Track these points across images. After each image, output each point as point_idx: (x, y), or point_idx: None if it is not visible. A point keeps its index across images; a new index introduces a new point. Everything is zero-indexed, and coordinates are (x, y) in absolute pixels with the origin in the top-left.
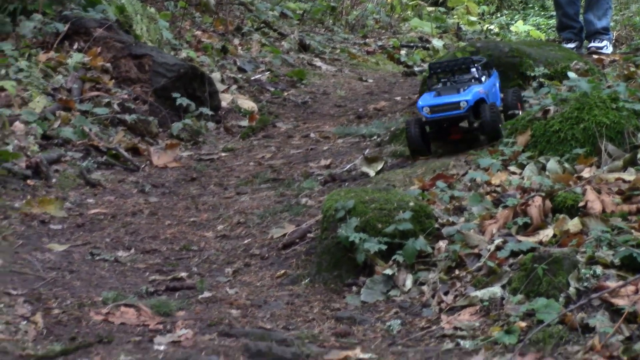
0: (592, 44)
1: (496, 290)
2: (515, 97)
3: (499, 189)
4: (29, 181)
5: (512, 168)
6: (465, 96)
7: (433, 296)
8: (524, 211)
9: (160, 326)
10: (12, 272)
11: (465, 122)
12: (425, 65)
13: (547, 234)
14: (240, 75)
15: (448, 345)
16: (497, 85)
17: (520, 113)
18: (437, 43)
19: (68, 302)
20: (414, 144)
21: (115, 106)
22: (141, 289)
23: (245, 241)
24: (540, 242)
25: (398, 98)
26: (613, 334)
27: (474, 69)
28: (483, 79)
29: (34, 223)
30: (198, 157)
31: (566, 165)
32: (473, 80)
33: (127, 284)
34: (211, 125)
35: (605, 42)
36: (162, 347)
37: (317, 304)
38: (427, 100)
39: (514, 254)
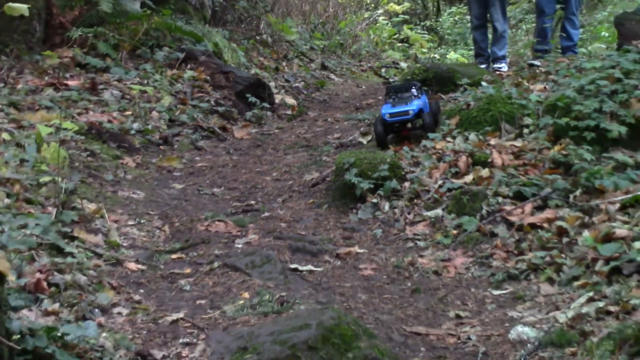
0: (495, 65)
1: (439, 211)
2: (437, 106)
3: (440, 151)
4: (160, 147)
5: (448, 139)
6: (412, 107)
7: (401, 215)
8: (455, 164)
9: (239, 233)
10: (150, 201)
11: (410, 124)
12: (397, 78)
13: (469, 178)
14: (286, 84)
15: (410, 244)
16: (427, 99)
17: (438, 116)
18: (403, 65)
19: (184, 219)
20: (378, 137)
21: (212, 102)
22: (227, 211)
23: (289, 182)
24: (465, 183)
25: (380, 97)
26: (509, 238)
27: (413, 89)
28: (420, 96)
29: (164, 172)
30: (261, 132)
31: (480, 137)
32: (414, 97)
33: (219, 208)
34: (269, 113)
35: (503, 64)
36: (239, 245)
37: (332, 220)
38: (387, 109)
39: (449, 190)
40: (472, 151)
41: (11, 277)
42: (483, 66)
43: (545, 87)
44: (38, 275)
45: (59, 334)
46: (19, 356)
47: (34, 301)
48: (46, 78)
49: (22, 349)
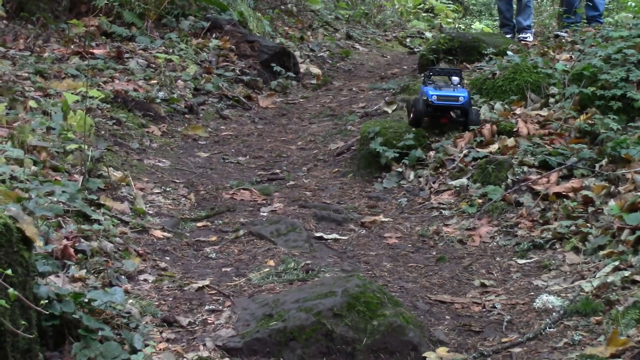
0: (520, 35)
1: (464, 180)
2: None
3: None
4: (186, 115)
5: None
6: (462, 93)
7: (426, 184)
8: (480, 133)
9: (264, 201)
10: (176, 169)
11: (453, 113)
12: (422, 48)
13: (494, 147)
14: (311, 53)
15: (435, 213)
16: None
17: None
18: (428, 34)
19: (209, 187)
20: (418, 116)
21: (237, 71)
22: (252, 179)
23: (314, 151)
24: (490, 152)
25: (405, 67)
26: (534, 207)
27: (456, 77)
28: (463, 84)
29: (189, 140)
30: (286, 101)
31: (506, 106)
32: (459, 85)
33: (244, 176)
34: (294, 83)
35: (528, 34)
36: (265, 213)
37: (357, 189)
38: (434, 91)
39: (474, 159)
40: (497, 120)
41: (39, 243)
42: (509, 36)
43: (571, 57)
44: (65, 242)
45: (86, 300)
46: (46, 321)
47: (61, 267)
48: (72, 47)
49: (50, 314)
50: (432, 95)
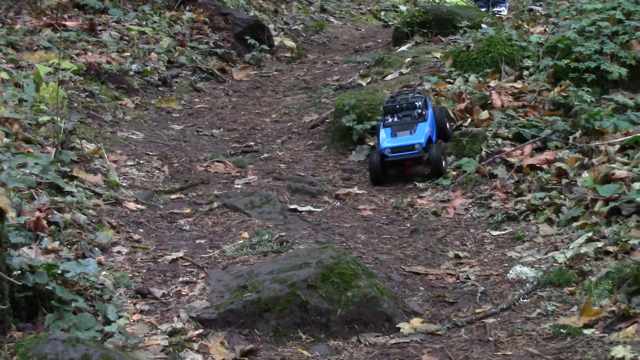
0: (495, 9)
1: None
2: (443, 113)
3: (441, 92)
4: (159, 88)
5: (449, 80)
6: (419, 139)
7: None
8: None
9: (238, 174)
10: (149, 142)
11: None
12: (396, 21)
13: (469, 120)
14: (285, 26)
15: (409, 186)
16: (432, 112)
17: (448, 126)
18: (402, 8)
19: (183, 159)
20: (374, 173)
21: (211, 44)
22: (227, 152)
23: (289, 124)
24: (464, 124)
25: (379, 40)
26: (508, 179)
27: (417, 103)
28: (425, 114)
29: (163, 113)
30: (260, 74)
31: (480, 79)
32: (419, 117)
33: (218, 149)
34: (268, 56)
35: (503, 8)
36: (239, 186)
37: (331, 161)
38: (387, 141)
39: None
40: (471, 93)
41: (11, 214)
42: (483, 9)
43: (545, 30)
44: (38, 213)
45: (59, 272)
46: (19, 292)
47: (33, 239)
48: (44, 19)
49: (23, 285)
50: (385, 148)
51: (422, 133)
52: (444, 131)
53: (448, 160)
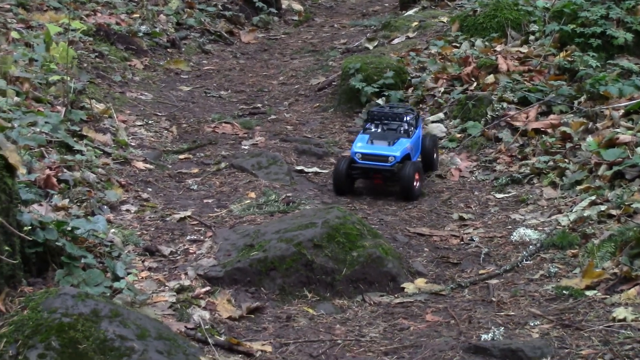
0: None
1: (441, 115)
2: (432, 143)
3: (447, 56)
4: (168, 50)
5: (455, 44)
6: (394, 151)
7: None
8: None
9: (246, 135)
10: (158, 102)
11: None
12: None
13: (475, 84)
14: None
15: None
16: (421, 134)
17: (436, 156)
18: None
19: (191, 120)
20: (338, 180)
21: (219, 6)
22: (234, 113)
23: (296, 86)
24: (470, 88)
25: (386, 4)
26: (512, 142)
27: (406, 118)
28: (412, 131)
29: (171, 74)
30: (268, 37)
31: (486, 43)
32: (403, 132)
33: (226, 110)
34: (276, 19)
35: None
36: (246, 147)
37: (337, 123)
38: (360, 146)
39: (455, 94)
40: (478, 57)
41: (22, 171)
42: None
43: None
44: (48, 171)
45: (69, 228)
46: (30, 248)
47: (44, 196)
48: None
49: (33, 241)
50: (356, 153)
51: (400, 147)
52: (430, 161)
53: (453, 121)
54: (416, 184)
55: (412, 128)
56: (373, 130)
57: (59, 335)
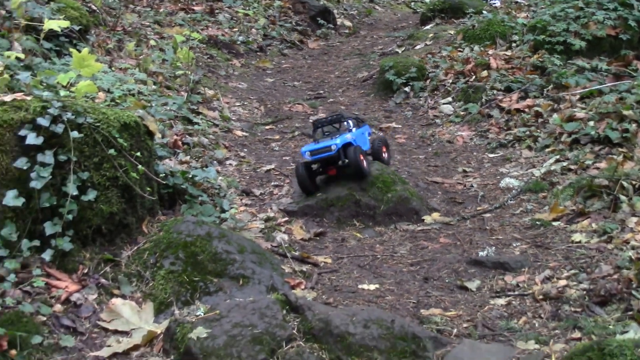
0: (491, 1)
1: (449, 99)
2: (381, 142)
3: (454, 57)
4: (257, 53)
5: (459, 49)
6: (335, 141)
7: (425, 102)
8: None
9: (312, 112)
10: (250, 90)
11: (339, 162)
12: (422, 9)
13: (474, 77)
14: (344, 11)
15: (431, 121)
16: (367, 134)
17: (386, 155)
18: None
19: (274, 102)
20: (301, 182)
21: (293, 23)
22: (304, 97)
23: (347, 79)
24: (470, 80)
25: (410, 22)
26: (500, 118)
27: (347, 122)
28: (353, 129)
29: (259, 70)
30: (327, 45)
31: (482, 48)
32: (346, 130)
33: (298, 95)
34: (332, 32)
35: (497, 1)
36: (312, 119)
37: (377, 104)
38: (307, 146)
39: (460, 84)
40: (475, 58)
41: (158, 135)
42: (483, 1)
43: (527, 15)
44: (175, 137)
45: (190, 176)
46: (163, 189)
47: (172, 154)
48: (179, 4)
49: (165, 184)
50: (305, 152)
51: (341, 138)
52: (379, 158)
53: (457, 103)
54: (364, 162)
55: (353, 128)
56: (317, 136)
57: (184, 249)
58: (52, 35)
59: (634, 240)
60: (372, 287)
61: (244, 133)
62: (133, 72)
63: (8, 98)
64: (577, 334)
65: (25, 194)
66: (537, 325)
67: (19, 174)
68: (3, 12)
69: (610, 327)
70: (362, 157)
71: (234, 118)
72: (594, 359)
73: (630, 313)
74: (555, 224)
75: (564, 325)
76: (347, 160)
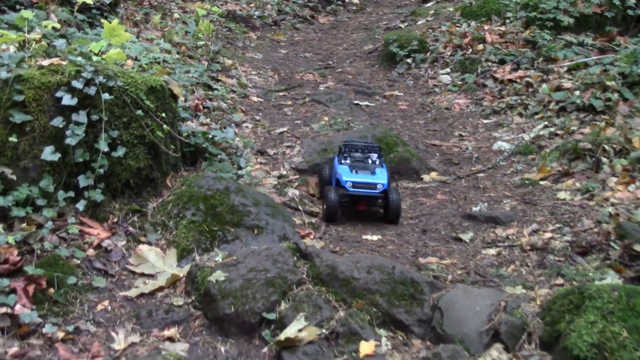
0: None
1: (448, 69)
2: (397, 193)
3: (453, 32)
4: (272, 27)
5: (457, 25)
6: (381, 179)
7: (425, 72)
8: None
9: (322, 81)
10: (265, 60)
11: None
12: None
13: (470, 50)
14: None
15: (431, 90)
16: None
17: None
18: None
19: (287, 71)
20: (331, 209)
21: (305, 0)
22: (314, 67)
23: (354, 51)
24: (467, 52)
25: (413, 0)
26: (494, 87)
27: (374, 154)
28: (382, 165)
29: (274, 42)
30: (336, 20)
31: (478, 24)
32: (376, 165)
33: (309, 65)
34: (341, 8)
35: None
36: (322, 88)
37: (381, 74)
38: (348, 174)
39: (457, 57)
40: (472, 33)
41: (181, 98)
42: None
43: None
44: (196, 101)
45: (210, 136)
46: (185, 148)
47: (194, 116)
48: None
49: (187, 143)
50: (347, 181)
51: (383, 176)
52: (394, 214)
53: (455, 74)
54: (399, 205)
55: (381, 161)
56: (349, 161)
57: (204, 202)
58: (85, 8)
59: (613, 198)
60: (375, 237)
61: (259, 99)
62: (158, 43)
63: (46, 62)
64: (560, 280)
65: (61, 150)
66: (524, 272)
67: (56, 131)
68: None
69: (590, 274)
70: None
71: (250, 85)
72: (575, 301)
73: (608, 262)
74: (542, 183)
75: (549, 273)
76: (384, 203)
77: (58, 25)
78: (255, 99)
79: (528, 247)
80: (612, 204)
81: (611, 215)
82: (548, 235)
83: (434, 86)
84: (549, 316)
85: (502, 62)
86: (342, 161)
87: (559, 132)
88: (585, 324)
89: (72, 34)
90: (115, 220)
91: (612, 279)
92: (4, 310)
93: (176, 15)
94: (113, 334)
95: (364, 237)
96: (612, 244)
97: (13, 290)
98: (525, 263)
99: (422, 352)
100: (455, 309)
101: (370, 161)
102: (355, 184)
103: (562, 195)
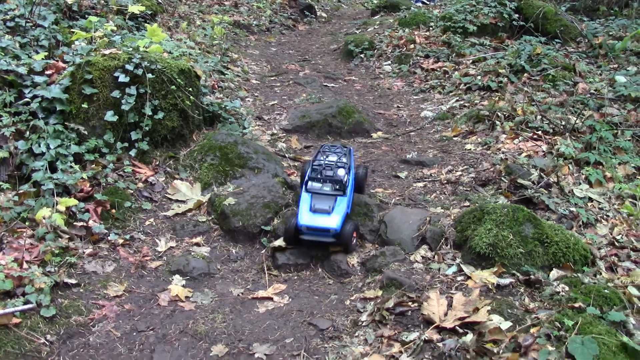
0: (417, 3)
1: (389, 62)
2: (364, 172)
3: (393, 36)
4: (265, 32)
5: (396, 30)
6: (334, 224)
7: (373, 64)
8: (400, 42)
9: (301, 69)
10: (261, 55)
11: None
12: (372, 6)
13: (404, 48)
14: (322, 7)
15: (377, 76)
16: (353, 165)
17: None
18: (375, 0)
19: (276, 62)
20: (288, 236)
21: (289, 13)
22: (295, 60)
23: (323, 49)
24: (402, 50)
25: (365, 15)
26: (422, 74)
27: (340, 151)
28: (347, 182)
29: (267, 43)
30: (311, 28)
31: (410, 30)
32: (340, 188)
33: (292, 59)
34: (314, 20)
35: (419, 3)
36: (301, 74)
37: (342, 65)
38: (304, 217)
39: (396, 53)
40: (407, 36)
41: (203, 78)
42: (418, 4)
43: (440, 10)
44: (213, 81)
45: (223, 105)
46: (206, 113)
47: (211, 92)
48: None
49: (207, 110)
50: (302, 226)
51: (339, 213)
52: (361, 187)
53: (394, 65)
54: (353, 241)
55: (347, 176)
56: (315, 185)
57: (220, 150)
58: (133, 17)
59: (503, 148)
60: None
61: (257, 81)
62: (185, 41)
63: (107, 52)
64: (467, 203)
65: (118, 113)
66: (442, 198)
67: (114, 100)
68: (102, 1)
69: (488, 199)
70: (354, 235)
71: (250, 72)
72: (477, 215)
73: (500, 191)
74: (455, 139)
75: (459, 198)
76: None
77: (115, 28)
78: (254, 81)
79: (445, 181)
80: (503, 152)
81: (502, 159)
82: (459, 173)
83: (379, 73)
84: (460, 226)
85: (427, 56)
86: (309, 184)
87: (466, 104)
88: (484, 230)
89: (125, 34)
90: (157, 163)
91: (502, 201)
92: (81, 224)
93: (198, 23)
94: (157, 240)
95: None
96: (502, 178)
97: (87, 210)
98: (443, 192)
99: (372, 252)
100: (395, 222)
101: (337, 184)
102: (309, 229)
103: (468, 146)
